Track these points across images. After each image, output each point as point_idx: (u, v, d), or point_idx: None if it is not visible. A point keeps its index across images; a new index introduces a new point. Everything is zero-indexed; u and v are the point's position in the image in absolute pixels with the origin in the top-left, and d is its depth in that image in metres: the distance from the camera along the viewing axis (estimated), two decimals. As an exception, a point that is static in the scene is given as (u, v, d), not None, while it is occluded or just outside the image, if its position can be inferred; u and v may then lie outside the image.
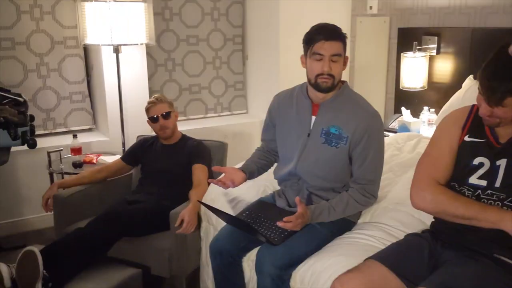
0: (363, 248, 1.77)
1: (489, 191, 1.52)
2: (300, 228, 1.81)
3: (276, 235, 1.83)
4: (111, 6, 2.98)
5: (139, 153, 2.81)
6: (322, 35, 1.81)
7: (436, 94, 3.37)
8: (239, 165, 2.15)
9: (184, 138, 2.80)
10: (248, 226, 1.89)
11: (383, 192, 2.10)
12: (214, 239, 2.02)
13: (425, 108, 3.34)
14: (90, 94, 3.66)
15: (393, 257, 1.60)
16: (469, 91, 2.91)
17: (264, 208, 2.05)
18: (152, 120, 2.69)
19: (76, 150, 3.23)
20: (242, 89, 4.31)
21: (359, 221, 2.01)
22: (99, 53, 3.40)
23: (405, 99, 3.57)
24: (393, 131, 3.35)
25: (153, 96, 2.77)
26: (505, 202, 1.49)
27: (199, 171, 2.58)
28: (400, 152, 2.73)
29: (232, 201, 2.24)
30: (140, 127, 3.26)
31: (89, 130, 3.73)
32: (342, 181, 1.96)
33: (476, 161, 1.55)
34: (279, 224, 1.77)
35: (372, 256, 1.61)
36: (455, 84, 3.16)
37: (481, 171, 1.54)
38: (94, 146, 3.46)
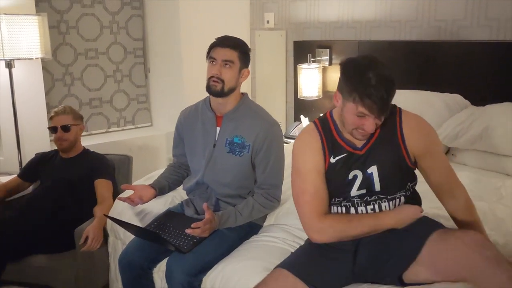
0: (268, 250, 1.86)
1: (374, 196, 1.61)
2: (208, 234, 1.87)
3: (185, 243, 1.87)
4: (2, 19, 2.85)
5: (37, 168, 2.70)
6: (217, 42, 1.96)
7: (331, 102, 3.59)
8: (146, 177, 2.17)
9: (86, 152, 2.74)
10: (157, 236, 1.91)
11: (285, 195, 2.22)
12: (122, 252, 2.00)
13: (322, 115, 3.55)
14: (-20, 112, 3.44)
15: (300, 265, 1.62)
16: (359, 99, 3.15)
17: (172, 218, 2.07)
18: (51, 130, 2.65)
19: (-33, 172, 3.03)
20: (146, 102, 4.29)
21: (265, 223, 2.11)
22: (-11, 68, 3.21)
23: (304, 108, 3.77)
24: (294, 138, 3.52)
25: (60, 105, 2.70)
26: (388, 197, 1.62)
27: (102, 186, 2.54)
28: (300, 158, 2.88)
29: (139, 213, 2.24)
30: (38, 145, 3.13)
31: (-20, 150, 3.50)
32: (247, 187, 2.05)
33: (350, 175, 1.62)
34: (188, 231, 1.81)
35: (280, 265, 1.64)
36: (347, 93, 3.41)
37: (357, 182, 1.61)
38: (-13, 166, 3.26)
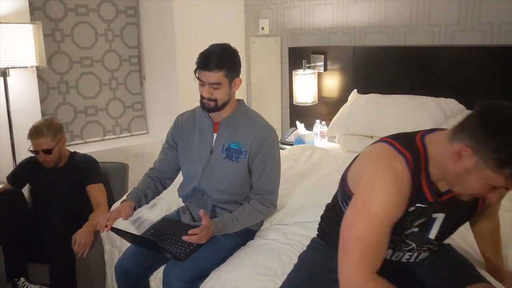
0: (264, 254, 1.85)
1: (425, 246, 1.43)
2: (206, 240, 1.87)
3: (181, 250, 1.86)
4: (-3, 27, 2.85)
5: (26, 173, 2.65)
6: (201, 64, 1.89)
7: (326, 107, 3.62)
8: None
9: (72, 156, 2.67)
10: (154, 244, 1.90)
11: (282, 201, 2.22)
12: (119, 260, 1.99)
13: (317, 121, 3.57)
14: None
15: None
16: (354, 104, 3.16)
17: (169, 225, 2.07)
18: (33, 152, 2.54)
19: (-39, 181, 3.00)
20: (141, 110, 4.28)
21: (261, 228, 2.11)
22: (-16, 77, 3.20)
23: (299, 114, 3.78)
24: (290, 144, 3.53)
25: (37, 122, 2.53)
26: (433, 249, 1.46)
27: (94, 191, 2.53)
28: (296, 163, 2.89)
29: (136, 221, 2.23)
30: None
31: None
32: (243, 194, 2.05)
33: (418, 223, 1.37)
34: (185, 238, 1.81)
35: None
36: (342, 98, 3.42)
37: (417, 223, 1.37)
38: (-18, 175, 3.24)
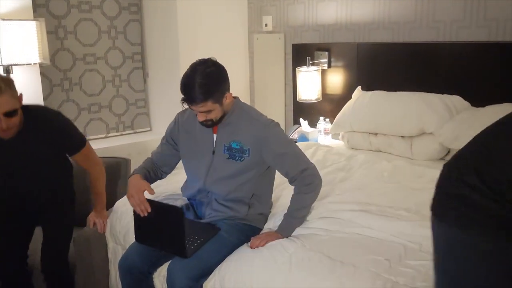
0: (266, 250, 1.85)
1: None
2: (272, 239, 1.91)
3: (186, 247, 1.86)
4: (0, 24, 2.85)
5: None
6: (186, 98, 1.88)
7: (330, 104, 3.60)
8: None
9: (27, 112, 2.03)
10: (180, 224, 1.77)
11: (286, 199, 2.20)
12: (122, 257, 1.99)
13: (321, 118, 3.55)
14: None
15: None
16: (358, 101, 3.15)
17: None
18: None
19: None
20: (145, 107, 4.28)
21: (265, 226, 2.09)
22: (-13, 74, 3.20)
23: (303, 111, 3.76)
24: (294, 141, 3.52)
25: None
26: None
27: (81, 158, 2.19)
28: (300, 160, 2.88)
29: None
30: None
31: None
32: (249, 191, 2.03)
33: None
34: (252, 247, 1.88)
35: None
36: (346, 95, 3.40)
37: None
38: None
